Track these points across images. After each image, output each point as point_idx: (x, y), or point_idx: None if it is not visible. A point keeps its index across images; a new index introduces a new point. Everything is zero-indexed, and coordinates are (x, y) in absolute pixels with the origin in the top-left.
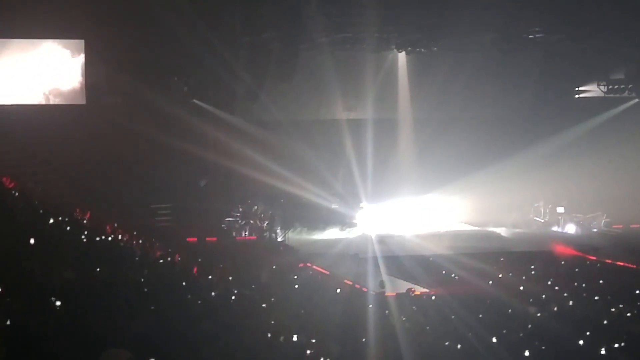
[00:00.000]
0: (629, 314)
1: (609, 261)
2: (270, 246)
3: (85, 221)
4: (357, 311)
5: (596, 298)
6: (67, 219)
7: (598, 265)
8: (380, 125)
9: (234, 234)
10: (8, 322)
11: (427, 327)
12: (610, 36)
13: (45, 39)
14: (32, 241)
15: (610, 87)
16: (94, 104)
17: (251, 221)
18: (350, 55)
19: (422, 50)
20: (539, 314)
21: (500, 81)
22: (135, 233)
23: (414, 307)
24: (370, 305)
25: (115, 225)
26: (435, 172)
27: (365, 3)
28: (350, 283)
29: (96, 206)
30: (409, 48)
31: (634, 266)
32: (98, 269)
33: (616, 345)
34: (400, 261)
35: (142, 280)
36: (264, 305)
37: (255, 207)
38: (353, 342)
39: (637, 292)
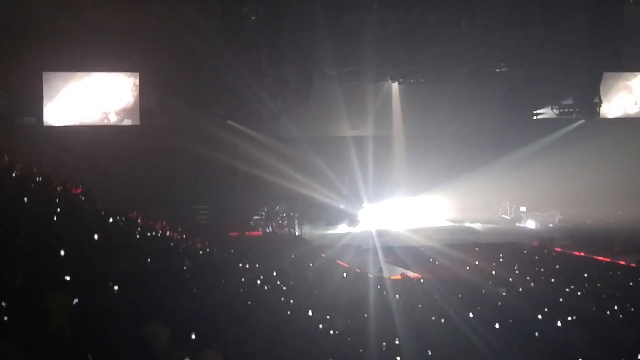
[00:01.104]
0: (579, 293)
1: (563, 250)
2: (289, 239)
3: (138, 220)
4: (360, 292)
5: (552, 280)
6: (123, 219)
7: (554, 254)
8: (379, 141)
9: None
10: (75, 302)
11: (420, 305)
12: (561, 69)
13: (105, 72)
14: (95, 237)
15: (561, 110)
16: (146, 125)
17: (276, 220)
18: (355, 85)
19: (412, 80)
20: (505, 294)
21: (473, 105)
22: (179, 229)
23: (406, 289)
24: (378, 287)
25: (164, 223)
26: (423, 178)
27: (366, 43)
28: (356, 269)
29: (147, 208)
30: (401, 79)
31: (582, 254)
32: (149, 260)
33: (569, 319)
34: (396, 251)
35: (185, 268)
36: (284, 287)
37: (277, 208)
38: (356, 318)
39: (585, 275)
